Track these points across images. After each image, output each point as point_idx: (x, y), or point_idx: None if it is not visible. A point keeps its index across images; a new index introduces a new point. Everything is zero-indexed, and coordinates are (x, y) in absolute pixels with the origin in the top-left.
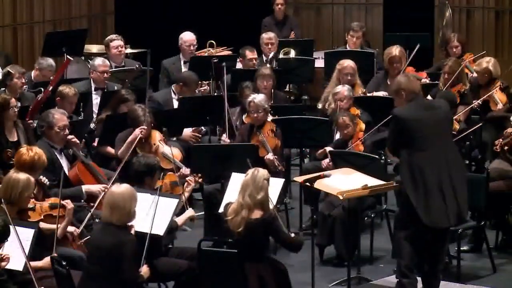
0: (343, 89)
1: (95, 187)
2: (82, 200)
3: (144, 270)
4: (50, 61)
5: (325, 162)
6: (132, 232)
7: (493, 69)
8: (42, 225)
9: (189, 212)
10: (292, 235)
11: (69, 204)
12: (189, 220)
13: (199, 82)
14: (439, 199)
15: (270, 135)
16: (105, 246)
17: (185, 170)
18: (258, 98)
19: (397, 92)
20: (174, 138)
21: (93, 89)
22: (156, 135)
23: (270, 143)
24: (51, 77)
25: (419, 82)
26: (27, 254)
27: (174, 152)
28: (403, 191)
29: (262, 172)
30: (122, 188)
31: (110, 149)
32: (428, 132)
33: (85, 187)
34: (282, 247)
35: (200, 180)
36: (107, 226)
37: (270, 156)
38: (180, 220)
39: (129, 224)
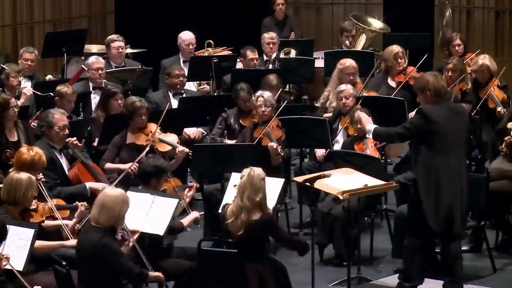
0: (348, 88)
1: (99, 185)
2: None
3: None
4: (31, 48)
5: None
6: (135, 237)
7: (490, 63)
8: (48, 223)
9: (194, 214)
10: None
11: (83, 206)
12: (193, 222)
13: (199, 82)
14: (449, 205)
15: (275, 128)
16: (88, 247)
17: (182, 148)
18: (266, 94)
19: (423, 90)
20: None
21: (91, 88)
22: (152, 126)
23: (274, 134)
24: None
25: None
26: (27, 254)
27: (170, 137)
28: (411, 190)
29: (258, 172)
30: (116, 191)
31: (109, 165)
32: (451, 138)
33: (89, 184)
34: (287, 247)
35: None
36: (92, 227)
37: (273, 144)
38: (185, 221)
39: (135, 229)
